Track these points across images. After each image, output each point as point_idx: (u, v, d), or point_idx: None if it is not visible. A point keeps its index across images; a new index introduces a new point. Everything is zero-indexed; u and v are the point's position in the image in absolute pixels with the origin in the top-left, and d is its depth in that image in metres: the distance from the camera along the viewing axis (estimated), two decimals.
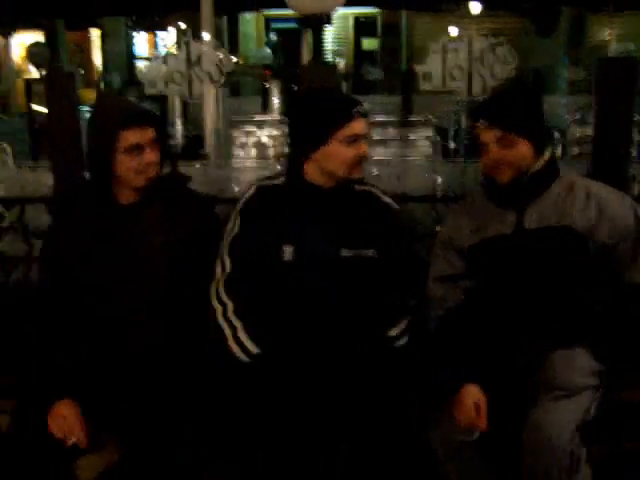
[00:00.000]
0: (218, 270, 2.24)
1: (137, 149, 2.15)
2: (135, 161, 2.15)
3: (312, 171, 2.24)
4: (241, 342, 2.14)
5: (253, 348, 2.13)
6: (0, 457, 2.03)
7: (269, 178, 2.36)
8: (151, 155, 2.17)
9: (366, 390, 2.08)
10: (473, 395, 2.03)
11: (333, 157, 2.18)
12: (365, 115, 2.22)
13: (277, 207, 2.25)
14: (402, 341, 2.19)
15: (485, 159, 2.18)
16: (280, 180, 2.33)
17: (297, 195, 2.26)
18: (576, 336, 2.12)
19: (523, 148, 2.14)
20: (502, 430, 2.08)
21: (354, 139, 2.18)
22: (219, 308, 2.18)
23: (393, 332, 2.18)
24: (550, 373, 2.07)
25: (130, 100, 2.42)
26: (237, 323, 2.15)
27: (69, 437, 2.02)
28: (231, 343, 2.14)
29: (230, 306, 2.17)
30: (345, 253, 2.19)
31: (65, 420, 2.03)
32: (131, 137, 2.14)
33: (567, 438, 1.94)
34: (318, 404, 2.07)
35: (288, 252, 2.19)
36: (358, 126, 2.19)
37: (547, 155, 2.19)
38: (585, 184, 2.21)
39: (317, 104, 2.21)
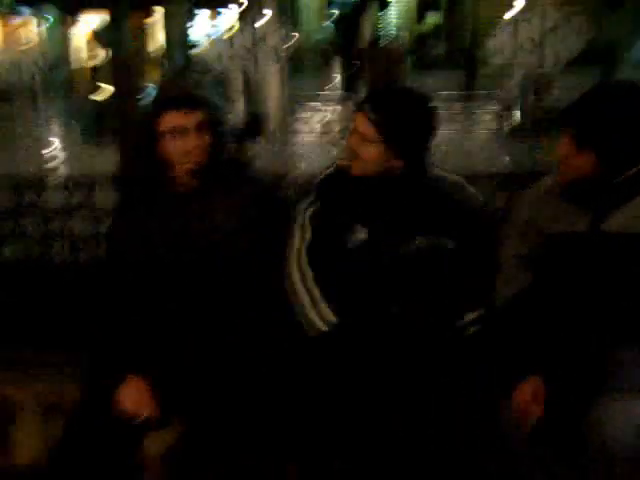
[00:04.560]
0: (297, 239, 2.24)
1: (178, 132, 2.12)
2: (176, 145, 2.13)
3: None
4: (320, 310, 2.14)
5: (332, 317, 2.13)
6: (70, 432, 2.06)
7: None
8: (195, 139, 2.13)
9: (429, 375, 2.06)
10: (532, 386, 1.98)
11: None
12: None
13: (354, 187, 2.21)
14: (473, 329, 2.16)
15: (557, 150, 2.09)
16: None
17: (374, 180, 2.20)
18: None
19: (588, 159, 2.01)
20: (567, 422, 2.02)
21: None
22: (297, 276, 2.19)
23: (468, 318, 2.16)
24: (615, 371, 1.99)
25: (186, 84, 2.40)
26: (316, 292, 2.16)
27: (141, 412, 2.03)
28: (309, 311, 2.15)
29: (309, 275, 2.18)
30: (420, 242, 2.16)
31: (136, 395, 2.04)
32: (170, 120, 2.13)
33: (630, 434, 1.88)
34: (387, 383, 2.05)
35: (363, 232, 2.17)
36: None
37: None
38: None
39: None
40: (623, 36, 14.52)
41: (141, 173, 2.29)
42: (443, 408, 2.05)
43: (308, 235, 2.22)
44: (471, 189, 2.30)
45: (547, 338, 2.05)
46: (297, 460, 2.16)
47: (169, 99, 2.17)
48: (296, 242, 2.23)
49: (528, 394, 1.97)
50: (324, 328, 2.13)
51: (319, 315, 2.14)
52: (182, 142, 2.13)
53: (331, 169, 2.30)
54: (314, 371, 2.11)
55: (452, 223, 2.19)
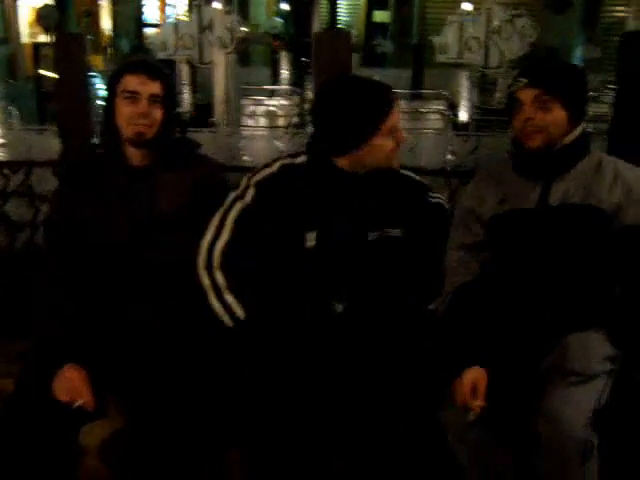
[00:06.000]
0: (210, 235, 2.14)
1: (130, 97, 2.12)
2: (125, 108, 2.13)
3: (345, 162, 2.14)
4: (226, 302, 2.08)
5: (240, 312, 2.07)
6: (3, 423, 2.01)
7: (290, 156, 2.24)
8: (144, 107, 2.13)
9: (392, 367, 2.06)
10: (473, 377, 1.99)
11: (374, 152, 2.09)
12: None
13: (300, 190, 2.14)
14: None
15: (517, 120, 2.13)
16: (301, 159, 2.21)
17: (324, 180, 2.16)
18: (593, 319, 2.08)
19: (558, 114, 2.10)
20: (510, 411, 2.05)
21: (394, 129, 2.10)
22: (207, 282, 2.11)
23: (432, 306, 2.19)
24: (564, 357, 2.03)
25: (150, 57, 2.40)
26: (222, 281, 2.09)
27: (75, 400, 1.99)
28: (213, 301, 2.09)
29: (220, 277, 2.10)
30: (372, 237, 2.14)
31: (71, 383, 2.01)
32: (128, 82, 2.14)
33: (582, 427, 1.91)
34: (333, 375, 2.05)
35: (311, 238, 2.10)
36: (396, 115, 2.11)
37: (580, 129, 2.14)
38: (614, 164, 2.16)
39: (354, 102, 2.06)
40: (566, 39, 14.86)
41: (92, 152, 2.27)
42: (387, 403, 2.05)
43: (226, 234, 2.13)
44: (417, 177, 2.31)
45: (491, 327, 2.07)
46: (239, 446, 2.15)
47: (131, 63, 2.19)
48: (208, 238, 2.14)
49: (469, 384, 1.98)
50: (229, 323, 2.07)
51: (225, 308, 2.07)
52: (131, 107, 2.13)
53: (274, 168, 2.18)
54: (251, 360, 2.09)
55: (399, 212, 2.18)
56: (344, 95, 2.10)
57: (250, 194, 2.16)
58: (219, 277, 2.10)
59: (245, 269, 2.12)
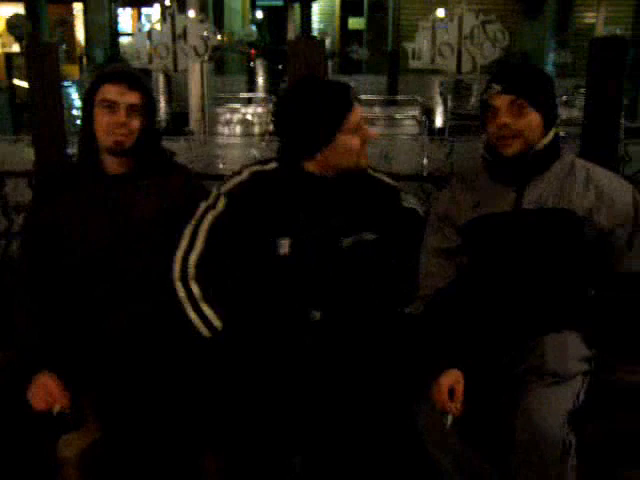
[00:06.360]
0: (184, 241, 2.13)
1: (108, 107, 2.10)
2: (103, 118, 2.10)
3: (314, 166, 2.12)
4: (203, 313, 2.08)
5: (217, 323, 2.07)
6: None
7: (260, 163, 2.22)
8: (123, 117, 2.10)
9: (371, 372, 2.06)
10: (450, 379, 1.99)
11: (340, 151, 2.08)
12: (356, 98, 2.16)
13: (271, 197, 2.12)
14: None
15: (493, 126, 2.11)
16: (271, 166, 2.19)
17: (295, 186, 2.14)
18: (568, 320, 2.10)
19: (533, 119, 2.08)
20: (489, 415, 2.07)
21: (357, 127, 2.11)
22: (183, 293, 2.09)
23: (408, 310, 2.18)
24: (541, 359, 2.04)
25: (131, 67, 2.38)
26: (197, 292, 2.08)
27: (52, 405, 1.96)
28: (190, 312, 2.08)
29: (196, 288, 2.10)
30: (346, 243, 2.12)
31: (46, 389, 1.98)
32: (107, 91, 2.11)
33: (559, 426, 1.92)
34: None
35: (284, 245, 2.08)
36: (358, 112, 2.11)
37: (552, 134, 2.14)
38: (585, 167, 2.17)
39: (313, 104, 2.06)
40: (538, 45, 15.04)
41: (69, 162, 2.25)
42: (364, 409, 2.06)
43: (200, 245, 2.12)
44: (387, 179, 2.28)
45: (468, 330, 2.07)
46: (216, 452, 2.14)
47: (110, 72, 2.16)
48: (182, 249, 2.13)
49: (446, 386, 1.98)
50: (206, 334, 2.06)
51: (202, 318, 2.06)
52: (109, 117, 2.11)
53: (244, 176, 2.16)
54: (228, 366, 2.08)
55: (372, 216, 2.17)
56: (303, 97, 2.11)
57: (221, 203, 2.15)
58: (195, 288, 2.10)
59: (220, 279, 2.12)
